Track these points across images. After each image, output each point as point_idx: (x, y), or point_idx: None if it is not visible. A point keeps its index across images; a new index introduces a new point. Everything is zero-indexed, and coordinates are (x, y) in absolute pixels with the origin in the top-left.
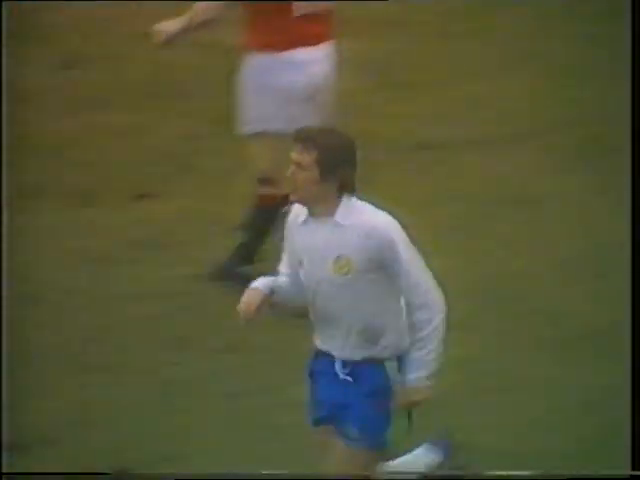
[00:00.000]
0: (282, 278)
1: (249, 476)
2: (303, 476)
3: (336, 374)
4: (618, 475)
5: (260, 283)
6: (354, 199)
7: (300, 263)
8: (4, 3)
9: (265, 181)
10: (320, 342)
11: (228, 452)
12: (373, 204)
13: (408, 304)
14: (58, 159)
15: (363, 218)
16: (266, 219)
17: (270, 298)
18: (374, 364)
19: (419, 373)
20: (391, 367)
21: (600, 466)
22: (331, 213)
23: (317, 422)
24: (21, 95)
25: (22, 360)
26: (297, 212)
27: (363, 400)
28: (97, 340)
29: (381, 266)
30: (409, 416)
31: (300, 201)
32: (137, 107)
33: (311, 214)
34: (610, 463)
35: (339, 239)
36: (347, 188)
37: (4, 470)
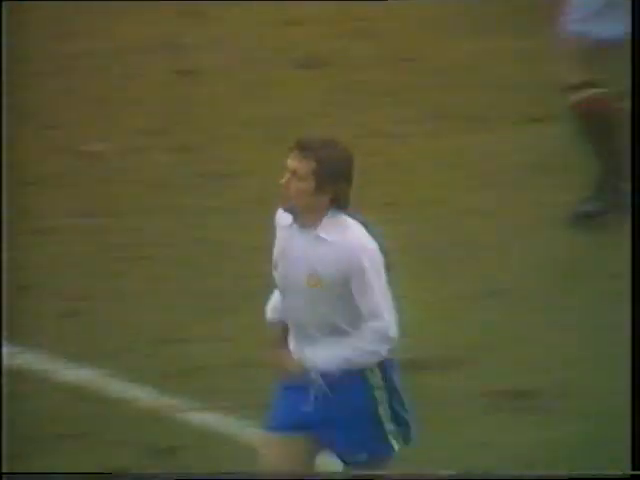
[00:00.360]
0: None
1: (249, 476)
2: (303, 476)
3: (313, 388)
4: (618, 475)
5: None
6: (341, 214)
7: (275, 266)
8: (4, 3)
9: (582, 85)
10: (295, 347)
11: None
12: (361, 222)
13: (361, 328)
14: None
15: (343, 235)
16: (602, 127)
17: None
18: (352, 376)
19: (326, 352)
20: (373, 376)
21: (600, 466)
22: (315, 225)
23: (282, 430)
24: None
25: None
26: (283, 212)
27: (350, 417)
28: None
29: (348, 282)
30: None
31: (290, 210)
32: (528, 32)
33: (296, 221)
34: (610, 463)
35: (316, 253)
36: (339, 202)
37: (4, 470)
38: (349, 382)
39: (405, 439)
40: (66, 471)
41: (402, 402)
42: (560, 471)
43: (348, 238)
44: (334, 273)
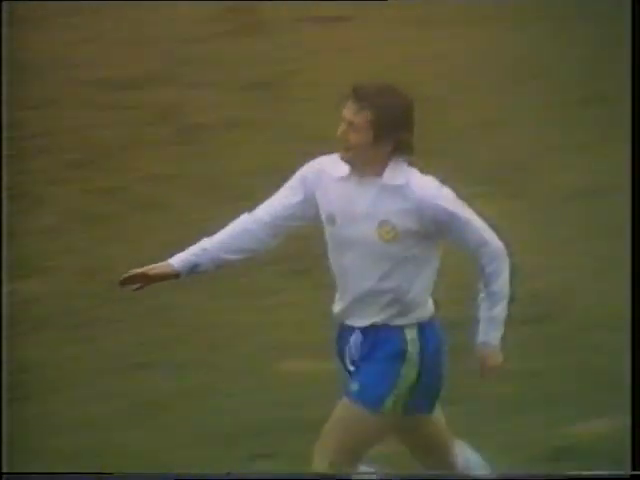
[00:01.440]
0: (235, 228)
1: (250, 476)
2: (304, 476)
3: (356, 346)
4: (618, 475)
5: (176, 257)
6: (403, 162)
7: (331, 221)
8: (4, 3)
9: None
10: (341, 309)
11: None
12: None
13: (478, 259)
14: None
15: (411, 185)
16: None
17: (173, 272)
18: (393, 329)
19: (498, 332)
20: (411, 334)
21: (600, 466)
22: (379, 173)
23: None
24: None
25: None
26: (332, 162)
27: (373, 360)
28: None
29: (430, 234)
30: None
31: (350, 162)
32: None
33: (355, 172)
34: (610, 463)
35: (385, 203)
36: (402, 151)
37: (4, 470)
38: (388, 334)
39: (416, 408)
40: (66, 471)
41: (434, 370)
42: (560, 471)
43: (416, 188)
44: (410, 224)
